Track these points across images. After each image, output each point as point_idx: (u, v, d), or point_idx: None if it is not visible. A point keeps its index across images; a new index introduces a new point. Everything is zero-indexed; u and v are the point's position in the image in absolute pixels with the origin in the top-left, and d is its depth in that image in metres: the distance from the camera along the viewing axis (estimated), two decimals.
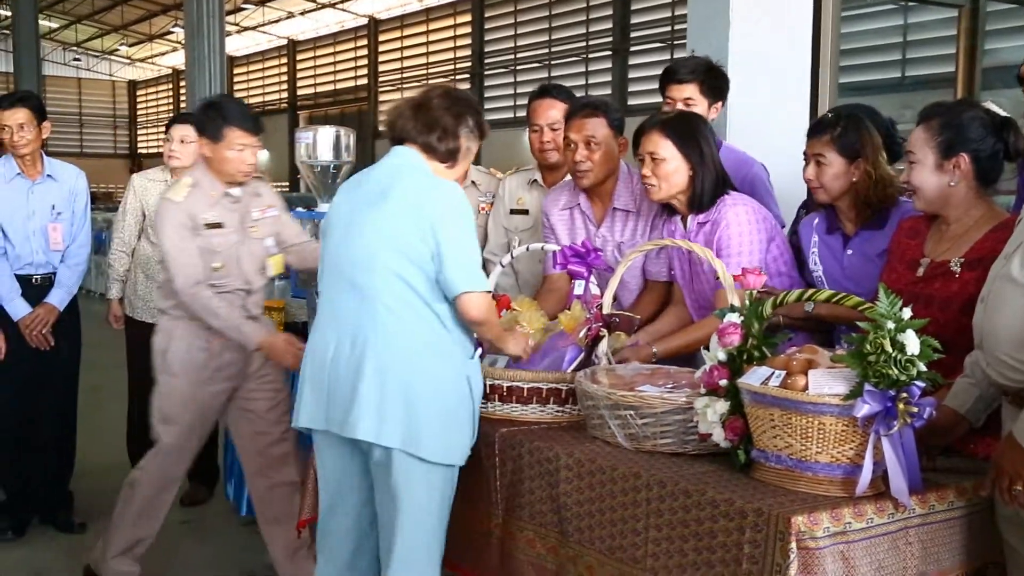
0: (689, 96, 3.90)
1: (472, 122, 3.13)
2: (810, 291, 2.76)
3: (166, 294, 4.16)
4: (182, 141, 5.12)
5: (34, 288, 4.98)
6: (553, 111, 4.13)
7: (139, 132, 48.58)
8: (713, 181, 3.47)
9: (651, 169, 3.45)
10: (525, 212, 4.29)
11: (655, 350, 3.41)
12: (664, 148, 3.44)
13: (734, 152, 4.07)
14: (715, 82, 3.99)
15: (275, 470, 4.24)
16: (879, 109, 3.78)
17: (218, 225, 4.04)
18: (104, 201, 32.37)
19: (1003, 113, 3.02)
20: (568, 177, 4.08)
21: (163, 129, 5.47)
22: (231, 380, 4.17)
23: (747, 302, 2.76)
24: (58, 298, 5.00)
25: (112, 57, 46.62)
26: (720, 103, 4.05)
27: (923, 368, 2.39)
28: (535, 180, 4.30)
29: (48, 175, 5.05)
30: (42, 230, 4.99)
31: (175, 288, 3.98)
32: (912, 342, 2.38)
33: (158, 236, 4.17)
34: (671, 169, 3.44)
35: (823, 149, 3.34)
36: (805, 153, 3.46)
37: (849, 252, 3.40)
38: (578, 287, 3.41)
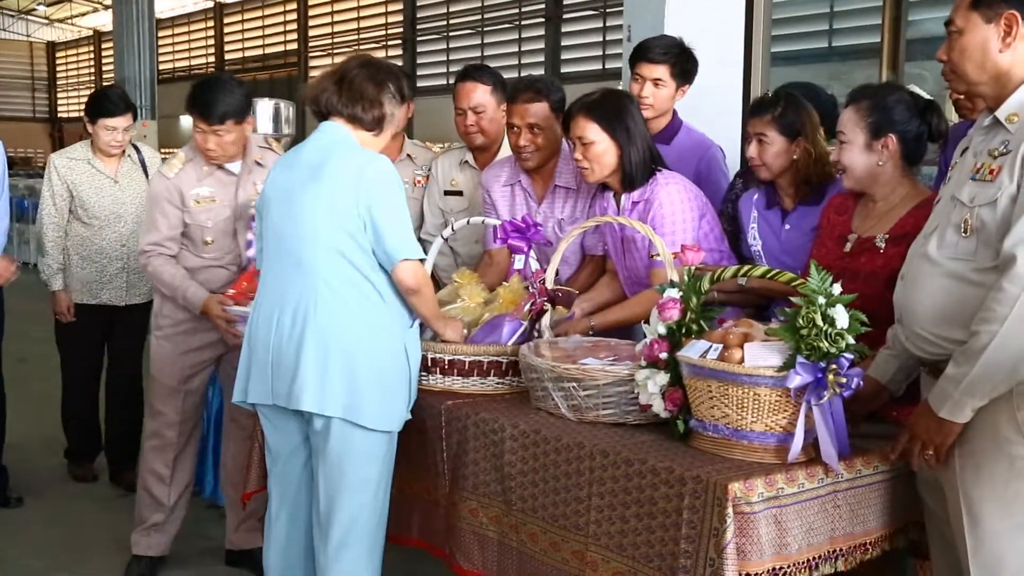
0: (659, 77, 3.97)
1: (393, 88, 3.19)
2: (746, 267, 2.89)
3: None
4: (126, 130, 5.16)
5: None
6: (476, 93, 4.16)
7: (59, 95, 47.50)
8: (642, 159, 3.54)
9: (582, 152, 3.53)
10: (459, 193, 4.36)
11: (592, 323, 3.52)
12: (591, 131, 3.50)
13: (693, 134, 4.16)
14: (686, 65, 4.05)
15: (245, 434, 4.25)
16: (809, 79, 3.90)
17: (210, 200, 4.12)
18: (23, 166, 31.67)
19: (926, 96, 3.18)
20: (504, 152, 4.17)
21: (85, 93, 5.43)
22: (215, 348, 4.24)
23: (686, 278, 2.88)
24: None
25: (29, 17, 45.48)
26: (687, 86, 4.10)
27: (851, 341, 2.53)
28: (466, 161, 4.36)
29: None
30: None
31: (139, 248, 4.12)
32: (841, 316, 2.51)
33: (147, 203, 4.25)
34: (600, 151, 3.52)
35: (764, 128, 3.46)
36: (747, 132, 3.57)
37: (787, 227, 3.53)
38: (518, 261, 3.51)
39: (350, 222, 3.03)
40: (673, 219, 3.51)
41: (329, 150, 3.13)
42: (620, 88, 4.12)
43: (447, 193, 4.38)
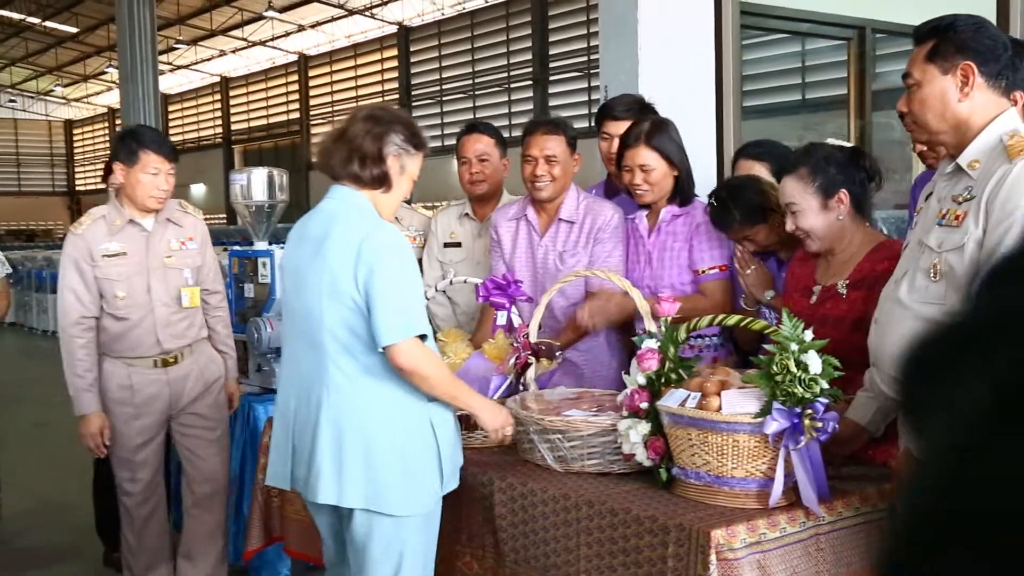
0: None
1: (400, 139, 2.85)
2: (720, 315, 2.84)
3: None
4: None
5: None
6: (480, 144, 4.19)
7: (76, 170, 47.81)
8: (689, 174, 3.64)
9: (642, 179, 3.57)
10: (458, 245, 4.32)
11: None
12: (651, 159, 3.56)
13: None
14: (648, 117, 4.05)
15: (198, 506, 4.17)
16: (782, 131, 3.88)
17: (120, 254, 3.92)
18: (43, 238, 31.78)
19: (848, 144, 3.15)
20: (506, 197, 4.19)
21: (100, 167, 5.05)
22: (161, 413, 4.07)
23: (663, 328, 2.82)
24: None
25: (48, 98, 45.88)
26: None
27: (825, 386, 2.46)
28: (466, 213, 4.33)
29: None
30: None
31: (59, 323, 3.93)
32: (814, 362, 2.46)
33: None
34: (660, 176, 3.58)
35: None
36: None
37: (783, 274, 3.49)
38: (501, 317, 3.45)
39: (350, 297, 2.73)
40: (719, 235, 3.56)
41: (333, 220, 2.84)
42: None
43: (446, 245, 4.35)
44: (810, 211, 3.01)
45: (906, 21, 5.56)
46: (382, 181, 2.85)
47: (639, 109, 3.99)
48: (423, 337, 2.77)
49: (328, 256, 2.77)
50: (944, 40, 2.46)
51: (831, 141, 3.15)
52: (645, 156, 3.57)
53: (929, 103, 2.47)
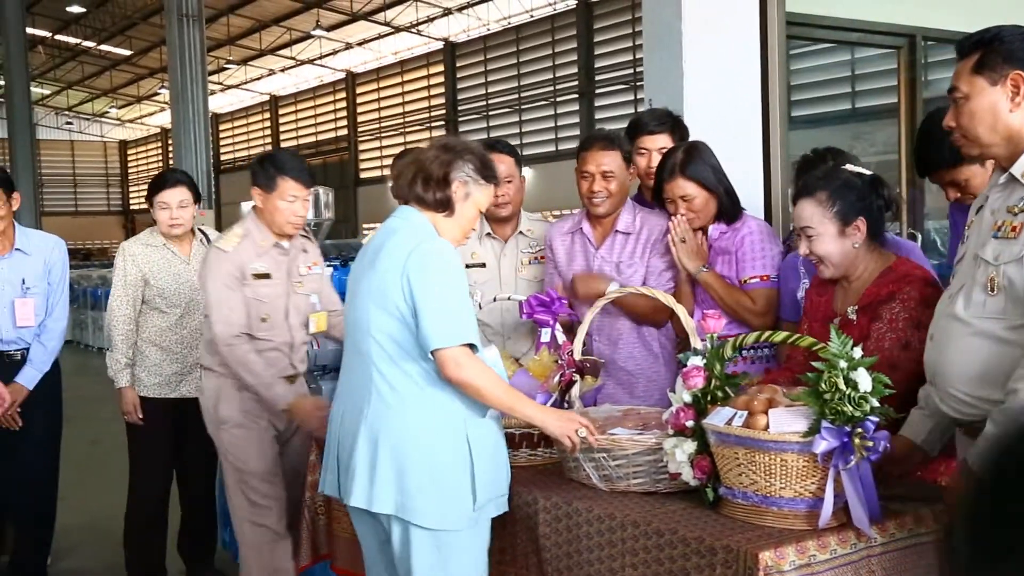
0: (663, 145, 3.91)
1: (470, 168, 2.89)
2: (768, 332, 2.79)
3: (211, 350, 3.87)
4: (181, 205, 4.64)
5: (3, 364, 4.59)
6: (503, 165, 4.08)
7: (131, 189, 48.48)
8: (730, 193, 3.63)
9: (687, 207, 3.58)
10: (482, 265, 4.23)
11: (704, 268, 3.57)
12: (690, 189, 3.56)
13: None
14: (683, 132, 4.02)
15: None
16: (831, 140, 3.84)
17: (266, 275, 3.84)
18: (99, 257, 32.17)
19: (868, 172, 3.11)
20: (524, 223, 4.16)
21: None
22: (278, 433, 3.93)
23: (709, 345, 2.77)
24: (28, 377, 4.59)
25: (103, 119, 46.62)
26: None
27: (876, 404, 2.40)
28: (488, 233, 4.23)
29: (18, 248, 4.64)
30: (9, 305, 4.59)
31: (214, 337, 3.75)
32: (864, 379, 2.40)
33: (203, 285, 3.85)
34: (702, 203, 3.58)
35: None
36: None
37: None
38: (545, 335, 3.42)
39: (396, 306, 2.74)
40: (763, 246, 3.59)
41: (391, 234, 2.88)
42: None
43: (469, 266, 4.28)
44: (827, 236, 2.97)
45: (956, 28, 5.48)
46: (445, 205, 2.89)
47: (673, 120, 3.98)
48: (473, 348, 2.75)
49: (380, 265, 2.81)
50: (991, 51, 2.41)
51: (851, 168, 3.11)
52: (684, 187, 3.57)
53: (979, 116, 2.42)
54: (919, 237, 5.70)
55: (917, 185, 6.06)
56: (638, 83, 20.11)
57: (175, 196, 4.63)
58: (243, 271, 3.80)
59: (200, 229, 4.87)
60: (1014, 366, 2.29)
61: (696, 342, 2.86)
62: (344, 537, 3.54)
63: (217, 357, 3.83)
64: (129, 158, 49.22)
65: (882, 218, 3.04)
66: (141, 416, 4.61)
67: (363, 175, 32.13)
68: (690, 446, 2.66)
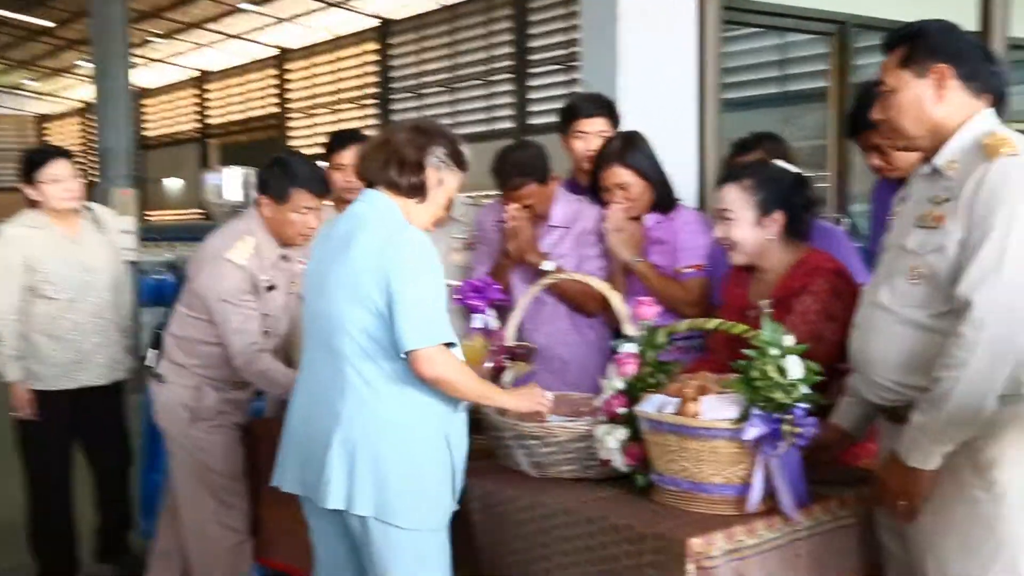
0: (602, 128, 3.89)
1: (443, 152, 2.78)
2: (700, 320, 2.82)
3: (188, 351, 3.74)
4: (73, 176, 4.41)
5: None
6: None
7: None
8: (665, 184, 3.68)
9: (622, 196, 3.61)
10: None
11: (639, 261, 3.59)
12: (627, 176, 3.60)
13: None
14: (616, 117, 3.99)
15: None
16: (761, 124, 3.87)
17: (273, 287, 3.69)
18: None
19: (794, 170, 3.16)
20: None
21: (75, 164, 4.51)
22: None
23: (643, 332, 2.80)
24: None
25: (19, 92, 45.49)
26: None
27: (806, 391, 2.45)
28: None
29: None
30: None
31: (232, 352, 3.57)
32: (795, 367, 2.44)
33: (213, 295, 3.59)
34: (639, 192, 3.61)
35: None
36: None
37: None
38: (477, 320, 3.42)
39: (372, 301, 2.63)
40: (698, 236, 3.62)
41: (360, 222, 2.75)
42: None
43: None
44: (744, 223, 3.02)
45: (886, 16, 5.57)
46: (418, 190, 2.78)
47: (607, 104, 3.97)
48: (450, 345, 2.69)
49: (353, 257, 2.68)
50: (916, 45, 2.46)
51: (780, 164, 3.16)
52: (621, 175, 3.59)
53: (905, 108, 2.47)
54: (845, 222, 5.80)
55: (845, 171, 6.16)
56: (571, 64, 20.12)
57: (64, 168, 4.38)
58: (257, 284, 3.63)
59: (87, 206, 4.60)
60: (937, 353, 2.34)
61: (629, 329, 2.89)
62: (281, 528, 3.51)
63: (195, 358, 3.73)
64: (47, 133, 48.17)
65: (800, 217, 3.08)
66: (35, 411, 4.36)
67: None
68: (622, 433, 2.68)
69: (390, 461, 2.65)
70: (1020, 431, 2.38)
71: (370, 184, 2.82)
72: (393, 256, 2.63)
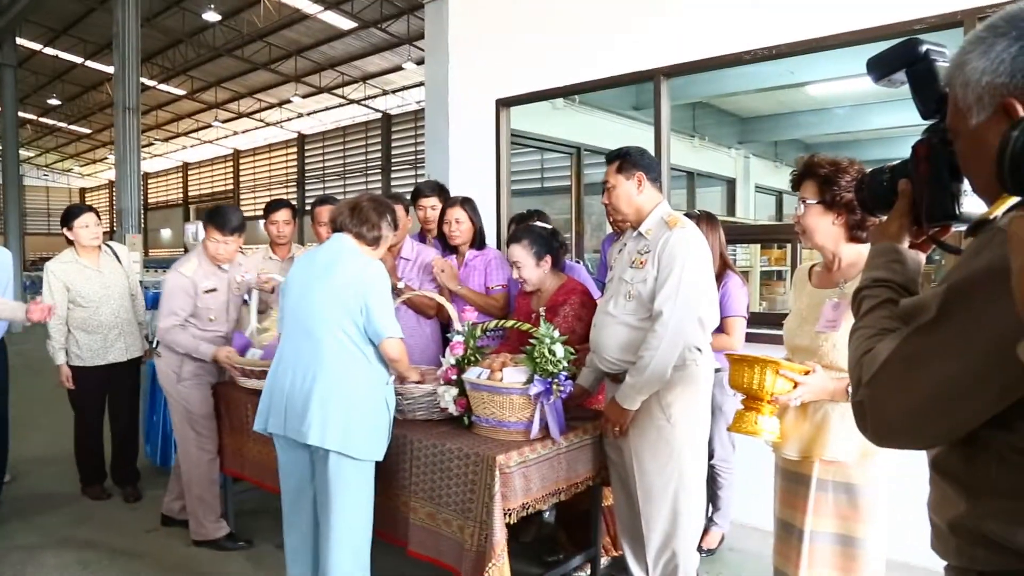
0: (435, 203, 3.68)
1: (391, 218, 2.57)
2: (502, 321, 2.70)
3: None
4: (96, 224, 4.00)
5: None
6: (324, 214, 3.71)
7: None
8: (481, 230, 3.43)
9: (456, 228, 3.37)
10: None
11: (460, 285, 3.28)
12: (461, 215, 3.38)
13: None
14: (446, 195, 3.79)
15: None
16: (531, 204, 3.79)
17: (213, 290, 3.37)
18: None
19: (550, 227, 3.09)
20: (295, 247, 3.79)
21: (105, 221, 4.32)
22: (211, 379, 3.46)
23: (466, 328, 2.66)
24: None
25: (69, 173, 41.52)
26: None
27: (566, 364, 2.37)
28: (271, 257, 3.89)
29: None
30: None
31: (161, 324, 3.29)
32: (560, 350, 2.35)
33: (166, 291, 3.33)
34: (467, 228, 3.38)
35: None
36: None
37: None
38: None
39: (350, 307, 2.39)
40: (501, 266, 3.36)
41: (339, 255, 2.48)
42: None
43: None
44: (529, 266, 2.91)
45: (603, 145, 5.65)
46: (376, 241, 2.54)
47: (440, 188, 3.78)
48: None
49: (337, 276, 2.43)
50: (625, 160, 2.45)
51: (540, 224, 3.08)
52: (459, 214, 3.41)
53: (621, 197, 2.45)
54: (583, 263, 5.83)
55: (581, 232, 6.21)
56: (419, 163, 19.82)
57: (91, 219, 4.00)
58: (196, 288, 3.33)
59: (107, 244, 4.20)
60: (641, 341, 2.32)
61: (458, 326, 2.74)
62: (233, 450, 3.19)
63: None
64: (86, 199, 44.12)
65: (559, 255, 3.00)
66: (73, 383, 3.96)
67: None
68: (454, 391, 2.54)
69: (354, 411, 2.39)
70: (685, 385, 2.37)
71: (337, 230, 2.56)
72: (369, 277, 2.42)
